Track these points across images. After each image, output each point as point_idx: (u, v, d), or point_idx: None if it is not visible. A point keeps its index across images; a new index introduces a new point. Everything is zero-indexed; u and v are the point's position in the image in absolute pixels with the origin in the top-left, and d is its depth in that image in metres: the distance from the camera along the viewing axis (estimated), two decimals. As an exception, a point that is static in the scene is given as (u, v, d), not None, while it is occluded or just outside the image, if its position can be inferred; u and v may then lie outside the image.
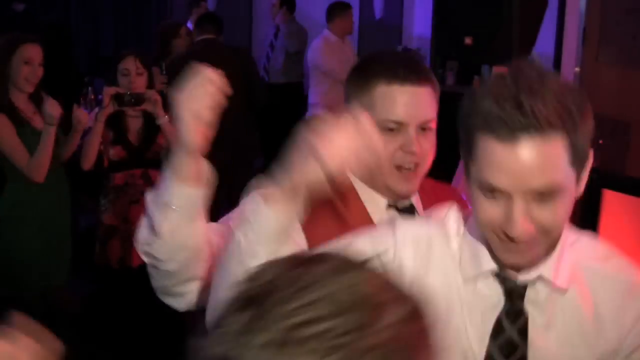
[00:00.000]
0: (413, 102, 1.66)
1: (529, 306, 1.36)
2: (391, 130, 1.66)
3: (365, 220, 1.69)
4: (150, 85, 3.96)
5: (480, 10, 3.13)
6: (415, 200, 1.78)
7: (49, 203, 3.88)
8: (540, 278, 1.35)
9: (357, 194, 1.73)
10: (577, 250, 1.40)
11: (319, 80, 6.39)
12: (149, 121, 3.87)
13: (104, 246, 3.90)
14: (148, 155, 3.88)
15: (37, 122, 3.77)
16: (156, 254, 1.56)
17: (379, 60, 1.75)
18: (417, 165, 1.68)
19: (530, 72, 1.24)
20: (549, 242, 1.32)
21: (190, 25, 6.03)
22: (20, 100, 3.77)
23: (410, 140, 1.66)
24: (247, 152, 5.35)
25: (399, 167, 1.68)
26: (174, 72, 4.68)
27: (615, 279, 1.39)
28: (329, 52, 6.39)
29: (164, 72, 5.02)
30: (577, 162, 1.27)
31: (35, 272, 3.84)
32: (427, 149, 1.69)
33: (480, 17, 3.12)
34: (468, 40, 3.14)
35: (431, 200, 1.72)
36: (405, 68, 1.68)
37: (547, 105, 1.20)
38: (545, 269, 1.35)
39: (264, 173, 1.43)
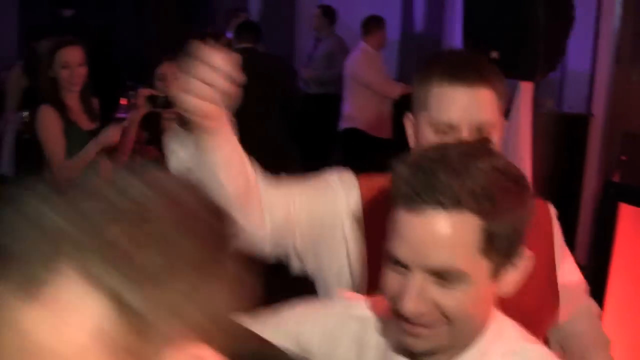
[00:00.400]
0: (465, 105, 1.55)
1: None
2: (445, 133, 1.56)
3: None
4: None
5: (507, 24, 3.19)
6: None
7: None
8: None
9: None
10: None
11: (356, 91, 6.46)
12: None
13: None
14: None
15: (84, 122, 3.85)
16: None
17: (439, 59, 1.69)
18: None
19: (463, 150, 1.18)
20: (455, 333, 1.19)
21: (230, 35, 6.15)
22: (70, 98, 3.84)
23: None
24: (283, 159, 5.43)
25: None
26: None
27: None
28: (368, 65, 6.48)
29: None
30: (493, 252, 1.16)
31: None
32: None
33: (507, 31, 3.18)
34: (495, 54, 3.20)
35: None
36: (460, 68, 1.58)
37: (462, 184, 1.12)
38: None
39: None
